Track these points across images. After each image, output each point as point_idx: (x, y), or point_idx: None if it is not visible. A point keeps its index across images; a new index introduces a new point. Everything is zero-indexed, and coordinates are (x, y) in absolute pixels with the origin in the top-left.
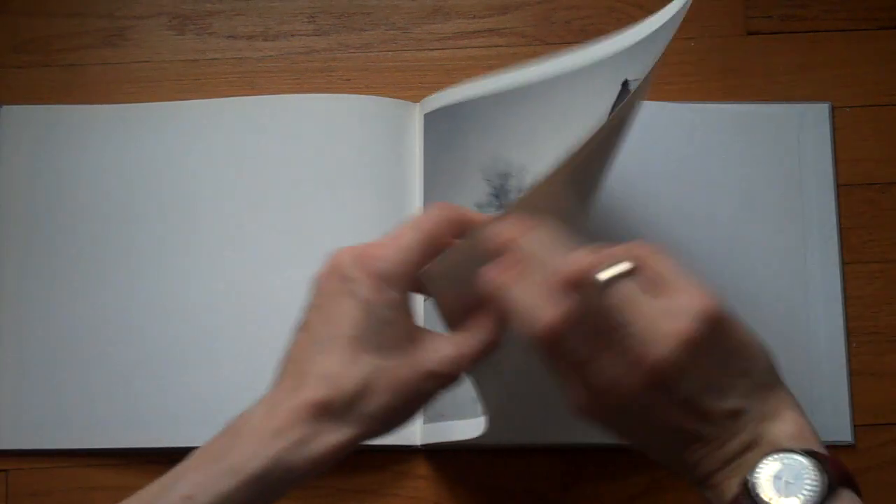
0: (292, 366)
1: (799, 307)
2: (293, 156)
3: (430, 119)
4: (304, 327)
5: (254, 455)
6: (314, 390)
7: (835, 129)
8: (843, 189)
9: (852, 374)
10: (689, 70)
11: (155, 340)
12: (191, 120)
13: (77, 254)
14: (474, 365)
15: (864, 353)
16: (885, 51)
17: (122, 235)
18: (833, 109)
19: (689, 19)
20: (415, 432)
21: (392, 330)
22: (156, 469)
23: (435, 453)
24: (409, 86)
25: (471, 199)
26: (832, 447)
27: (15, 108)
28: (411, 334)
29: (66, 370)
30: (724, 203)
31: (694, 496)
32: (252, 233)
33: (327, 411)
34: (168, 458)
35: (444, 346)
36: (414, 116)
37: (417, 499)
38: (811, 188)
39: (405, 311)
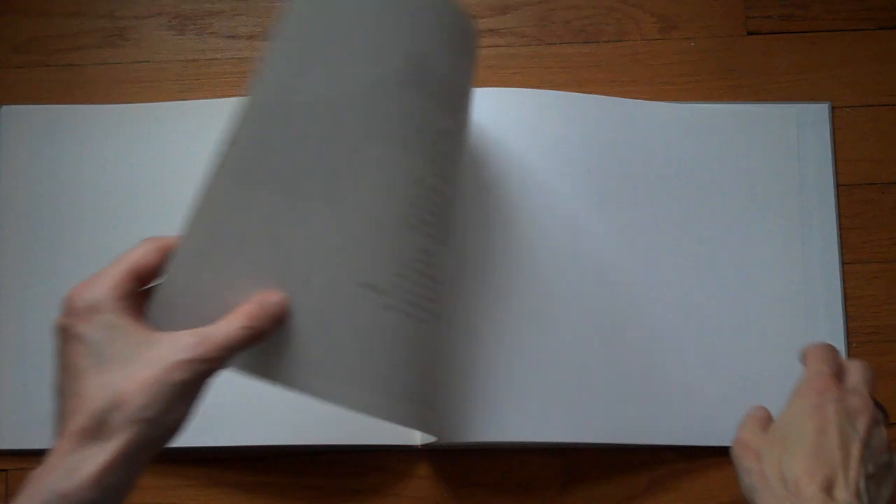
0: (55, 422)
1: (799, 307)
2: None
3: None
4: (54, 388)
5: (28, 497)
6: (70, 424)
7: (835, 129)
8: (843, 189)
9: None
10: (689, 70)
11: None
12: (191, 120)
13: (77, 254)
14: (230, 350)
15: (864, 353)
16: (885, 51)
17: (122, 235)
18: (833, 109)
19: (689, 19)
20: (415, 433)
21: (119, 344)
22: (154, 468)
23: (435, 453)
24: None
25: None
26: None
27: (15, 108)
28: (147, 340)
29: None
30: (724, 203)
31: (693, 497)
32: None
33: (86, 435)
34: (167, 456)
35: (183, 337)
36: None
37: (418, 499)
38: (811, 188)
39: (127, 326)
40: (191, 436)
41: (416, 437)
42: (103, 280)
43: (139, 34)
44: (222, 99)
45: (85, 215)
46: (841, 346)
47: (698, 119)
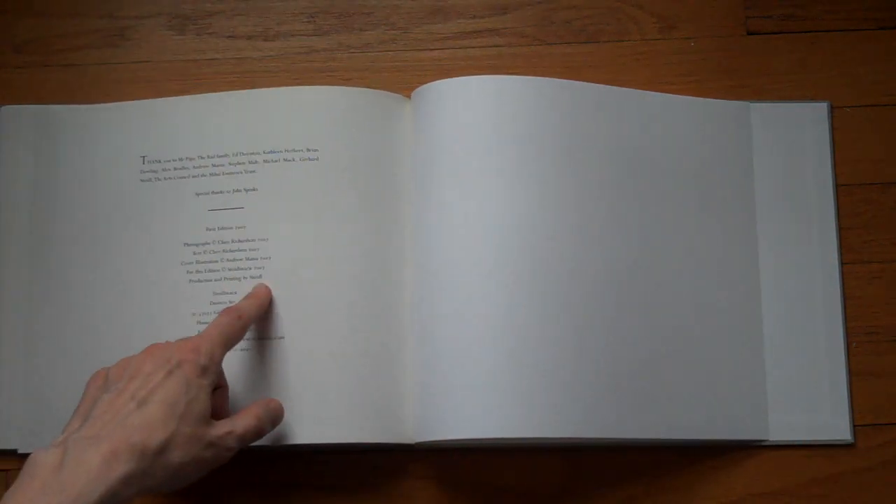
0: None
1: (798, 307)
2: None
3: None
4: (124, 389)
5: (92, 485)
6: (136, 434)
7: (834, 129)
8: (843, 189)
9: (852, 374)
10: (689, 70)
11: (155, 339)
12: (192, 115)
13: (77, 253)
14: (244, 441)
15: (864, 353)
16: (885, 51)
17: (122, 235)
18: (833, 109)
19: (689, 19)
20: (413, 432)
21: (196, 406)
22: None
23: (433, 453)
24: (408, 86)
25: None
26: (832, 447)
27: (15, 108)
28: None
29: (66, 370)
30: (722, 201)
31: (693, 497)
32: None
33: (145, 453)
34: None
35: (223, 426)
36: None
37: (416, 498)
38: (811, 188)
39: (209, 395)
40: None
41: (414, 437)
42: (217, 347)
43: (139, 34)
44: (224, 92)
45: (84, 214)
46: (840, 346)
47: (697, 114)
